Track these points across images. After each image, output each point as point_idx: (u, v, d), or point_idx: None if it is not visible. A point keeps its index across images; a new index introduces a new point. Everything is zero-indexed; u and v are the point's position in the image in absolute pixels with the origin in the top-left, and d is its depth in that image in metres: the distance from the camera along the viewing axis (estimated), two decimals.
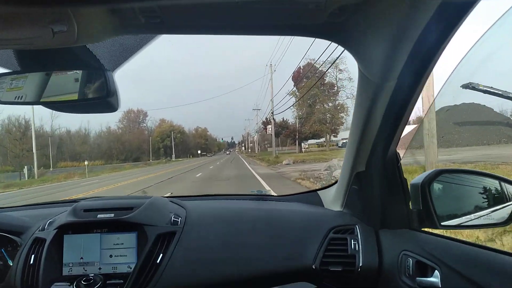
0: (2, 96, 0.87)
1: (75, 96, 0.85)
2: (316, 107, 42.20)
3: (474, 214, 1.04)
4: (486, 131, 13.30)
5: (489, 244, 3.25)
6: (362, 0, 0.75)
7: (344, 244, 1.25)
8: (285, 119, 46.51)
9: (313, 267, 1.22)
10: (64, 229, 1.26)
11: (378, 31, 0.82)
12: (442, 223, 1.03)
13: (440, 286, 0.90)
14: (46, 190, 17.20)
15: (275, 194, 2.19)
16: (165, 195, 1.63)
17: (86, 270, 1.22)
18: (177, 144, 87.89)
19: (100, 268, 1.23)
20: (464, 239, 0.97)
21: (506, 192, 1.04)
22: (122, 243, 1.25)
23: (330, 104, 42.07)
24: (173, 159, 76.13)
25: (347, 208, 1.43)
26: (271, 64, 34.50)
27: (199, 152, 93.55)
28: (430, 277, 0.95)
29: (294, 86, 38.07)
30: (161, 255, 1.20)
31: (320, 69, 31.83)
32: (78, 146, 66.98)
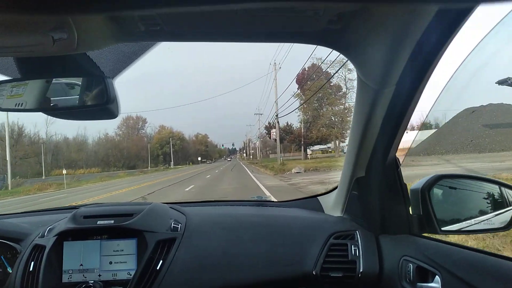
0: (3, 103, 0.87)
1: (75, 103, 0.85)
2: (322, 110, 38.69)
3: (475, 219, 1.04)
4: None
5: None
6: (360, 7, 0.76)
7: (344, 249, 1.25)
8: (289, 124, 42.86)
9: (314, 273, 1.21)
10: (64, 236, 1.26)
11: (377, 38, 0.83)
12: (442, 228, 1.03)
13: None
14: None
15: (275, 200, 2.19)
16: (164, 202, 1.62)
17: (85, 277, 1.22)
18: (176, 151, 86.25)
19: (100, 275, 1.22)
20: (464, 244, 0.96)
21: (506, 197, 1.04)
22: (122, 250, 1.25)
23: (339, 107, 38.48)
24: (172, 166, 73.68)
25: (347, 214, 1.42)
26: (275, 63, 31.26)
27: (199, 159, 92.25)
28: (430, 283, 0.95)
29: (298, 88, 35.77)
30: (161, 261, 1.20)
31: (327, 69, 29.24)
32: (74, 153, 66.01)
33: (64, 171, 30.71)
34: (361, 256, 1.21)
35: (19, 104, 0.86)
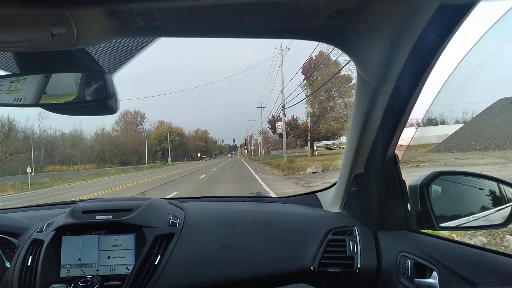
0: (1, 99, 0.87)
1: (74, 99, 0.85)
2: (331, 103, 35.00)
3: (473, 216, 1.05)
4: None
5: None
6: (360, 4, 0.75)
7: (342, 245, 1.25)
8: (295, 117, 38.81)
9: (312, 268, 1.22)
10: (62, 231, 1.26)
11: (376, 34, 0.83)
12: (440, 225, 1.03)
13: (438, 287, 0.90)
14: None
15: (274, 196, 2.19)
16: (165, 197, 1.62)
17: (84, 272, 1.22)
18: (175, 147, 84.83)
19: (98, 270, 1.23)
20: (462, 240, 0.97)
21: (504, 194, 1.04)
22: (120, 245, 1.25)
23: (351, 98, 32.10)
24: (169, 162, 71.81)
25: (346, 210, 1.43)
26: (281, 47, 27.80)
27: (198, 155, 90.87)
28: (428, 278, 0.95)
29: (304, 79, 31.95)
30: (159, 256, 1.20)
31: (337, 58, 24.81)
32: (68, 149, 64.75)
33: (29, 169, 27.19)
34: (359, 252, 1.22)
35: (18, 99, 0.86)
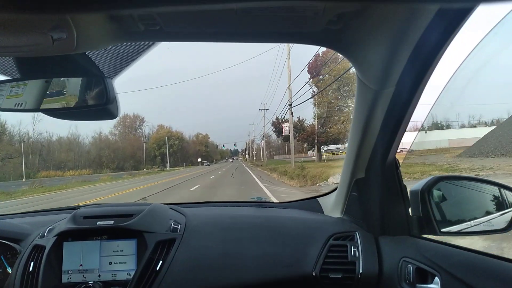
0: (2, 104, 0.87)
1: (74, 104, 0.85)
2: (340, 103, 31.66)
3: (474, 221, 1.04)
4: None
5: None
6: (360, 8, 0.76)
7: (344, 251, 1.24)
8: (301, 119, 34.77)
9: (313, 274, 1.21)
10: (64, 236, 1.26)
11: (376, 38, 0.83)
12: (442, 230, 1.03)
13: None
14: None
15: (276, 201, 2.18)
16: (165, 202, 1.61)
17: (85, 277, 1.22)
18: (175, 151, 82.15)
19: (99, 275, 1.22)
20: (464, 246, 0.96)
21: (505, 199, 1.04)
22: (122, 250, 1.25)
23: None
24: (168, 168, 67.14)
25: (347, 215, 1.42)
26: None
27: (199, 160, 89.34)
28: (430, 284, 0.95)
29: (310, 78, 29.58)
30: (160, 262, 1.20)
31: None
32: (64, 154, 63.12)
33: None
34: (360, 257, 1.21)
35: (18, 104, 0.86)
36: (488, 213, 1.05)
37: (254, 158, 75.31)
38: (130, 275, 1.20)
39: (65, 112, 0.93)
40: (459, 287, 0.84)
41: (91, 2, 0.38)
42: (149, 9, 0.56)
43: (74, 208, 1.58)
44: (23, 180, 37.54)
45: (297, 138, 34.25)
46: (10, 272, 1.23)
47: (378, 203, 1.21)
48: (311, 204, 1.70)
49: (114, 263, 1.24)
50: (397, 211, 1.17)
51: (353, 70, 1.02)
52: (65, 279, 1.22)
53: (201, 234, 1.33)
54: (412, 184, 1.09)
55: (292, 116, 23.87)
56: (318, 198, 1.73)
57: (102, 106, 0.85)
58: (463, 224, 1.04)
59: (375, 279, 1.17)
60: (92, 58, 0.88)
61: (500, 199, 1.04)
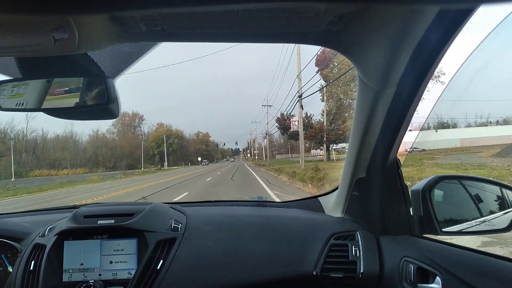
0: (3, 103, 0.87)
1: (76, 103, 0.86)
2: (349, 100, 28.91)
3: (475, 220, 1.04)
4: None
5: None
6: (361, 8, 0.76)
7: (345, 250, 1.25)
8: (308, 115, 32.29)
9: (314, 273, 1.21)
10: (65, 235, 1.26)
11: (377, 39, 0.83)
12: (443, 229, 1.03)
13: None
14: None
15: (277, 200, 2.18)
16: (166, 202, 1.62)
17: (86, 276, 1.22)
18: (174, 150, 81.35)
19: (100, 274, 1.22)
20: (465, 245, 0.97)
21: (507, 198, 1.04)
22: (123, 249, 1.25)
23: None
24: (165, 167, 64.39)
25: (348, 214, 1.42)
26: None
27: (199, 159, 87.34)
28: (431, 283, 0.95)
29: (317, 72, 25.52)
30: (161, 261, 1.20)
31: None
32: (58, 152, 61.71)
33: None
34: (361, 257, 1.21)
35: (20, 103, 0.87)
36: (489, 212, 1.05)
37: (256, 157, 73.60)
38: (131, 274, 1.21)
39: (66, 112, 0.93)
40: (460, 286, 0.84)
41: (93, 4, 0.38)
42: (151, 10, 0.56)
43: (75, 207, 1.58)
44: (12, 179, 36.31)
45: (304, 135, 29.48)
46: (11, 271, 1.24)
47: (379, 202, 1.21)
48: (312, 203, 1.70)
49: (115, 262, 1.24)
50: (398, 211, 1.17)
51: None
52: (65, 278, 1.22)
53: (202, 233, 1.33)
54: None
55: (302, 109, 21.47)
56: (319, 198, 1.73)
57: (103, 105, 0.85)
58: (464, 223, 1.05)
59: (376, 279, 1.17)
60: (93, 58, 0.88)
61: (502, 198, 1.04)
